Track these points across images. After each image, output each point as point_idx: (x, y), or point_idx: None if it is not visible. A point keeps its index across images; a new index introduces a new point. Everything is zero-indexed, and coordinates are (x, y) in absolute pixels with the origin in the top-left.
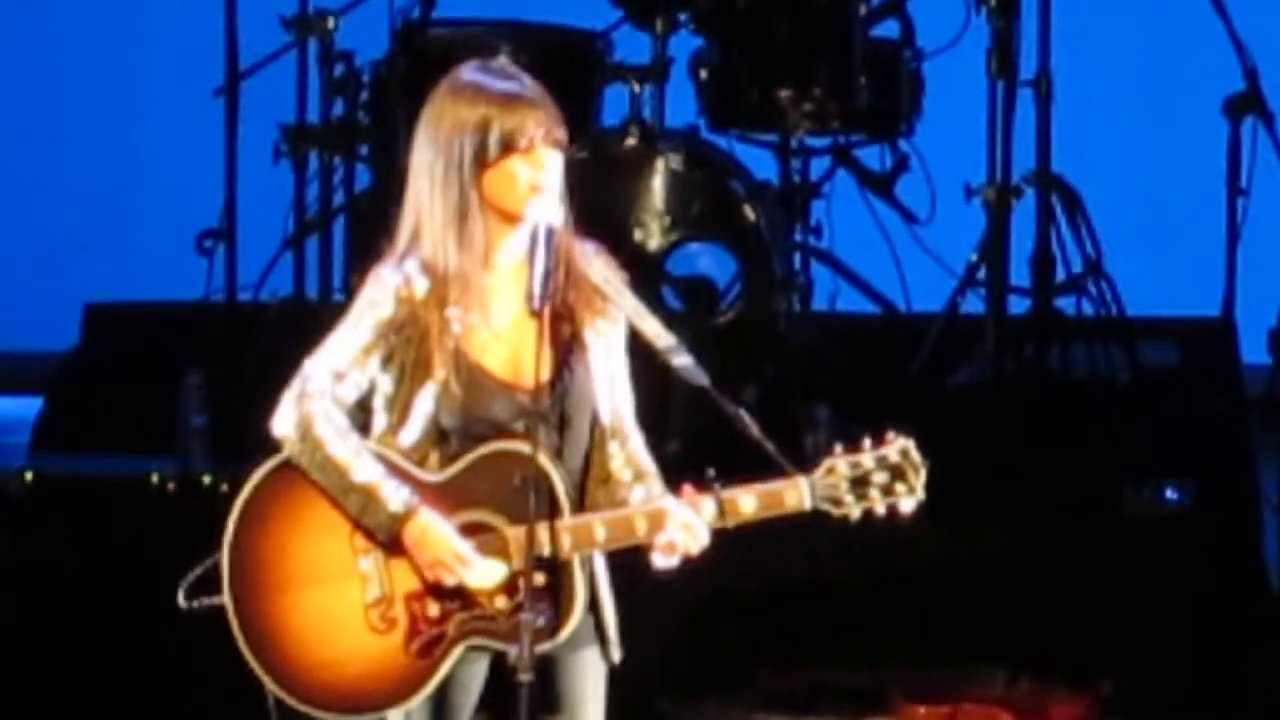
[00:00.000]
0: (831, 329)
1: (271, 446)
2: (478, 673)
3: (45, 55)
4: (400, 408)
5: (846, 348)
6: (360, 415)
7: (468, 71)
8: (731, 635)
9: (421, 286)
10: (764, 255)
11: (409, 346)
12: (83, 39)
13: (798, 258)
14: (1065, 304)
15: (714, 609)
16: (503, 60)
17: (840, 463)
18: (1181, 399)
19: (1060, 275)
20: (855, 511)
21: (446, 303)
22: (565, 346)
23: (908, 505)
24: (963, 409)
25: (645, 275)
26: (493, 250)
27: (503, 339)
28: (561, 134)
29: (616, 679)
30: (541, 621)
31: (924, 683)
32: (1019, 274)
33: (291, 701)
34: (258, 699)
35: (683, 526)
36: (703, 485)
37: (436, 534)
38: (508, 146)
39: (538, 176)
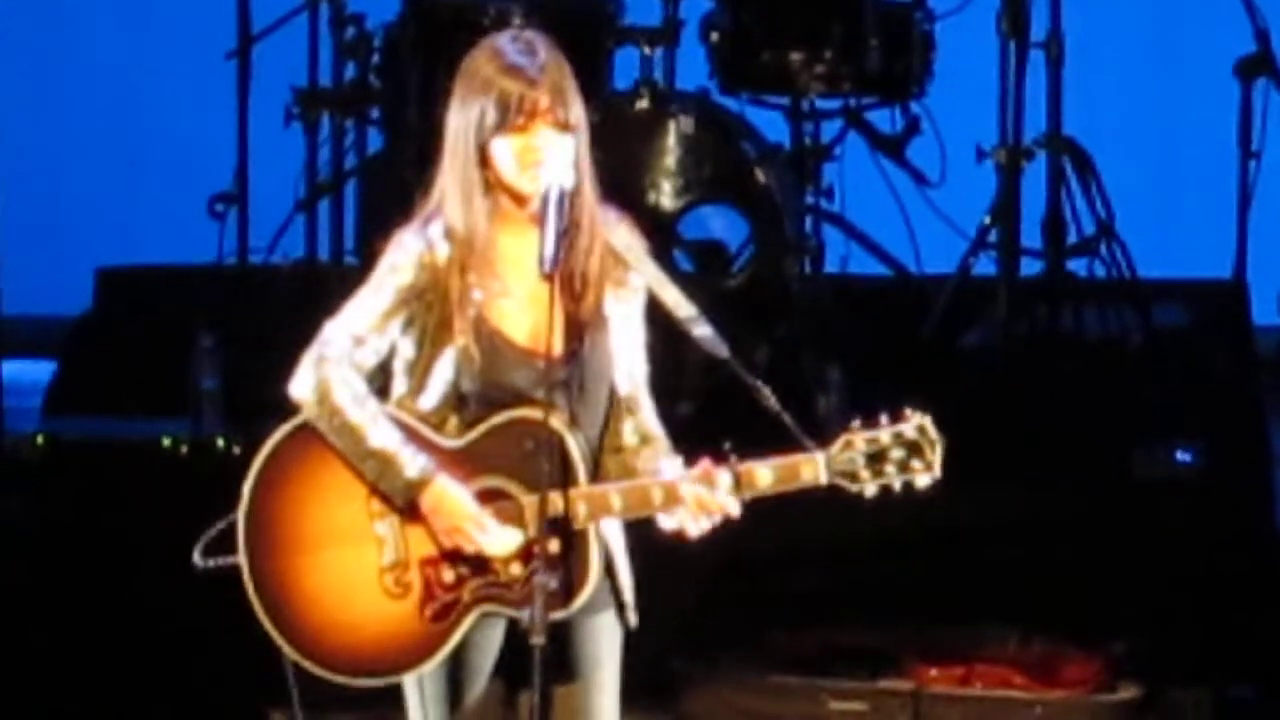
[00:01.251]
0: (843, 291)
1: (284, 409)
2: (493, 638)
3: (57, 20)
4: (420, 372)
5: (858, 310)
6: (380, 377)
7: (499, 36)
8: (745, 597)
9: (444, 252)
10: (775, 218)
11: (430, 312)
12: (95, 3)
13: (809, 220)
14: (1077, 266)
15: (727, 571)
16: (531, 34)
17: (857, 438)
18: (1193, 361)
19: (1072, 237)
20: (871, 488)
21: (468, 268)
22: (586, 316)
23: (923, 482)
24: (974, 371)
25: (657, 239)
26: (507, 220)
27: (524, 307)
28: (566, 115)
29: (630, 639)
30: (554, 585)
31: (936, 643)
32: (1030, 236)
33: (305, 663)
34: (273, 661)
35: (695, 503)
36: (719, 457)
37: (453, 500)
38: (503, 122)
39: (533, 155)
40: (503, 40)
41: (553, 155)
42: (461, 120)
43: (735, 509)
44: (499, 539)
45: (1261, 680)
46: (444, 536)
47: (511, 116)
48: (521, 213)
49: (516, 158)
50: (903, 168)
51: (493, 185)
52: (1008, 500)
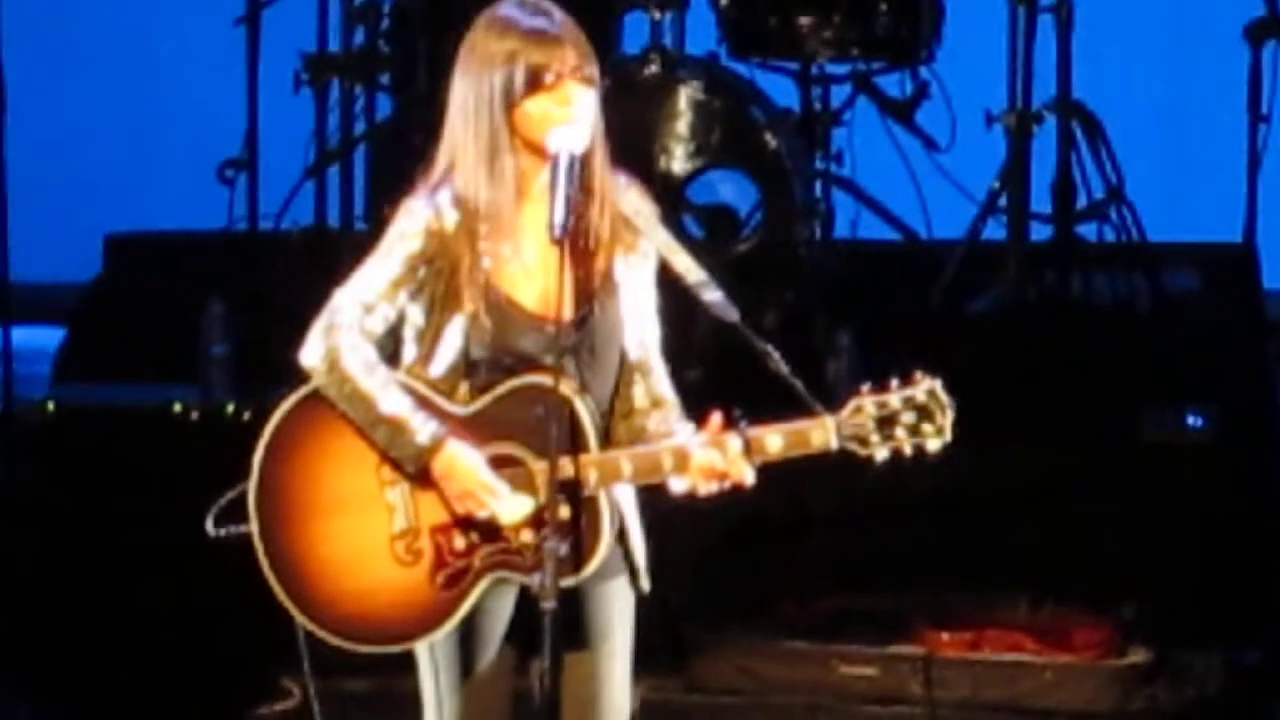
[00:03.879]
0: (853, 256)
1: (293, 375)
2: (505, 605)
3: None
4: (430, 339)
5: (867, 275)
6: (390, 343)
7: (502, 7)
8: (755, 562)
9: (452, 219)
10: (785, 183)
11: (439, 279)
12: None
13: (819, 185)
14: (1086, 230)
15: (738, 536)
16: None
17: (867, 403)
18: (1202, 325)
19: (1081, 202)
20: (881, 452)
21: (477, 235)
22: (596, 280)
23: (934, 445)
24: (984, 335)
25: (666, 204)
26: (526, 185)
27: (534, 273)
28: (591, 70)
29: (640, 604)
30: (565, 550)
31: (947, 608)
32: (1040, 200)
33: (317, 631)
34: (285, 629)
35: (706, 469)
36: (730, 423)
37: (465, 465)
38: (534, 83)
39: (565, 113)
40: (509, 9)
41: (582, 110)
42: (482, 90)
43: (750, 477)
44: (510, 505)
45: (1271, 644)
46: (455, 502)
47: (543, 76)
48: (534, 179)
49: (549, 116)
50: (912, 133)
51: (517, 150)
52: (1017, 465)
